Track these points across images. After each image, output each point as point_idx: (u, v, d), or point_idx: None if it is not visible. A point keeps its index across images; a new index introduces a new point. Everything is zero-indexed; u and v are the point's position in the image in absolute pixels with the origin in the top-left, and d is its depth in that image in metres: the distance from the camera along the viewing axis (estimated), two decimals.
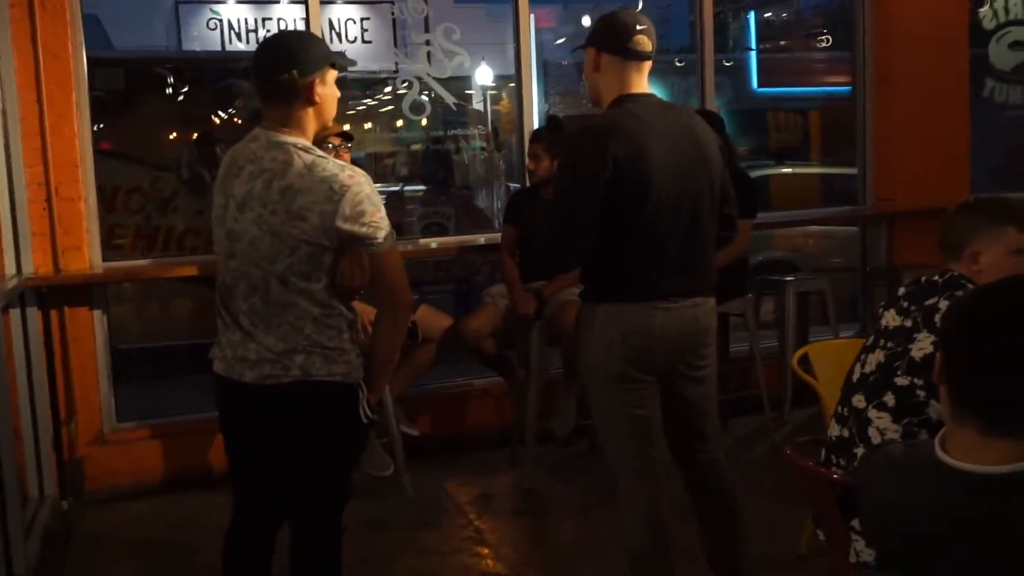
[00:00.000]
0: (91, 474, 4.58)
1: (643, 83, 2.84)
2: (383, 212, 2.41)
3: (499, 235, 4.98)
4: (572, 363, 4.53)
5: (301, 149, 2.40)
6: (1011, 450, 1.38)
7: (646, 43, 2.80)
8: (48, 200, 4.43)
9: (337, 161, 2.42)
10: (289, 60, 2.39)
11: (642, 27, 2.80)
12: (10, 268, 4.21)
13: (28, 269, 4.32)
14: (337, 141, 4.24)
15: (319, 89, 2.43)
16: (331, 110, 2.50)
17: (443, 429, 5.08)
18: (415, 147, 9.43)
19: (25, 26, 4.33)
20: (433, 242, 6.25)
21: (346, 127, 4.43)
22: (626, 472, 2.85)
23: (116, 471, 4.63)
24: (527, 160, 4.75)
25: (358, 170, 2.42)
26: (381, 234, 2.39)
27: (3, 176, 4.16)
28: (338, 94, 2.52)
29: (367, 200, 2.36)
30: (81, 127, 4.54)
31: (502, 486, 4.68)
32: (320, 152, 2.42)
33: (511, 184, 8.28)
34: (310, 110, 2.44)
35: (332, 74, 2.47)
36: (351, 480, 2.60)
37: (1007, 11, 6.31)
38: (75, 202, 4.50)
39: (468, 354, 4.83)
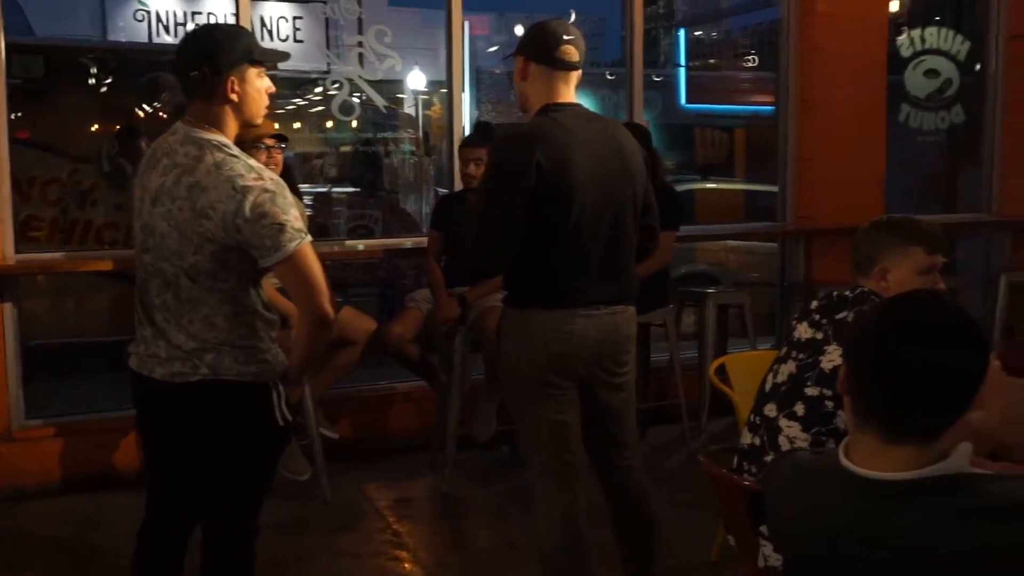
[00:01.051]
0: None
1: (570, 93, 2.87)
2: (291, 213, 2.32)
3: (426, 239, 4.98)
4: (494, 369, 4.55)
5: (215, 146, 2.36)
6: (910, 457, 1.44)
7: (573, 53, 2.84)
8: None
9: (249, 162, 2.36)
10: (204, 56, 2.36)
11: (570, 37, 2.83)
12: None
13: None
14: (271, 142, 4.20)
15: (236, 87, 2.38)
16: (255, 108, 2.45)
17: (364, 432, 5.05)
18: (344, 149, 9.35)
19: None
20: (360, 244, 6.21)
21: (275, 126, 4.38)
22: (543, 477, 2.87)
23: (23, 470, 4.50)
24: (468, 165, 4.66)
25: (267, 172, 2.36)
26: (285, 237, 2.29)
27: None
28: (268, 87, 2.46)
29: (269, 201, 2.28)
30: None
31: (422, 490, 4.67)
32: (234, 151, 2.37)
33: (439, 189, 8.28)
34: (227, 107, 2.40)
35: (253, 71, 2.41)
36: (269, 483, 2.57)
37: (923, 40, 6.55)
38: None
39: (391, 358, 4.82)
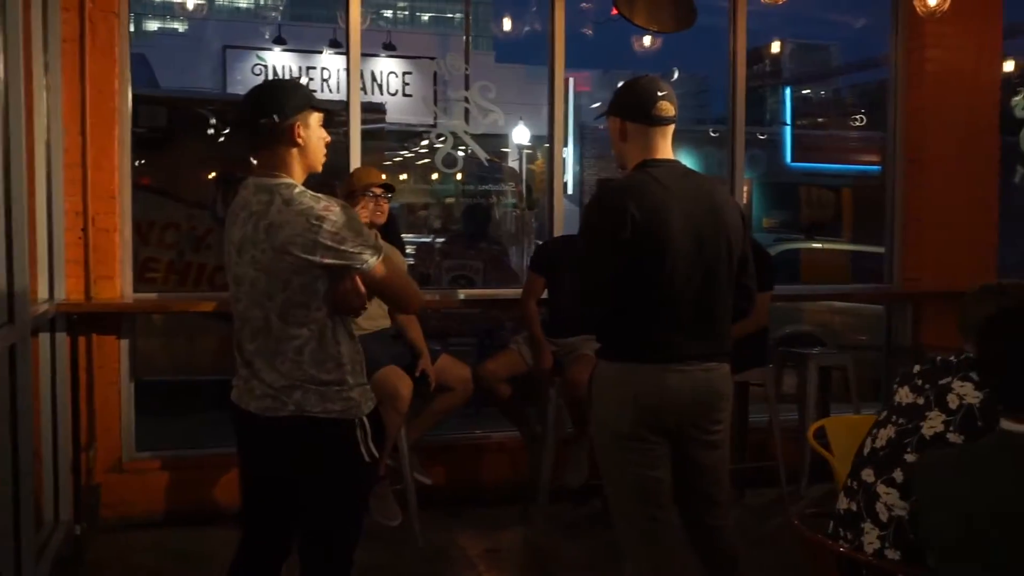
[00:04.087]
0: (106, 501, 4.63)
1: (667, 148, 2.90)
2: (365, 234, 2.51)
3: None
4: (581, 416, 4.54)
5: (283, 187, 2.49)
6: None
7: (669, 109, 2.87)
8: (84, 229, 4.55)
9: (316, 194, 2.50)
10: (270, 105, 2.51)
11: (663, 93, 2.86)
12: (42, 293, 4.31)
13: (60, 295, 4.42)
14: (378, 191, 4.33)
15: (301, 131, 2.53)
16: (317, 151, 2.61)
17: (457, 480, 5.09)
18: (448, 200, 9.55)
19: (75, 60, 4.49)
20: (460, 293, 6.30)
21: (383, 176, 4.53)
22: (632, 534, 2.85)
23: (131, 500, 4.68)
24: None
25: (334, 200, 2.51)
26: (367, 254, 2.47)
27: (43, 204, 4.28)
28: (325, 137, 2.62)
29: (344, 227, 2.44)
30: (121, 161, 4.67)
31: (512, 541, 4.67)
32: (299, 187, 2.51)
33: (539, 241, 8.36)
34: (294, 151, 2.54)
35: (315, 117, 2.58)
36: (361, 520, 2.64)
37: None
38: (110, 233, 4.62)
39: (485, 400, 4.84)
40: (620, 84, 3.09)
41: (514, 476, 5.11)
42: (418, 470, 4.66)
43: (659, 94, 2.85)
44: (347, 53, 5.21)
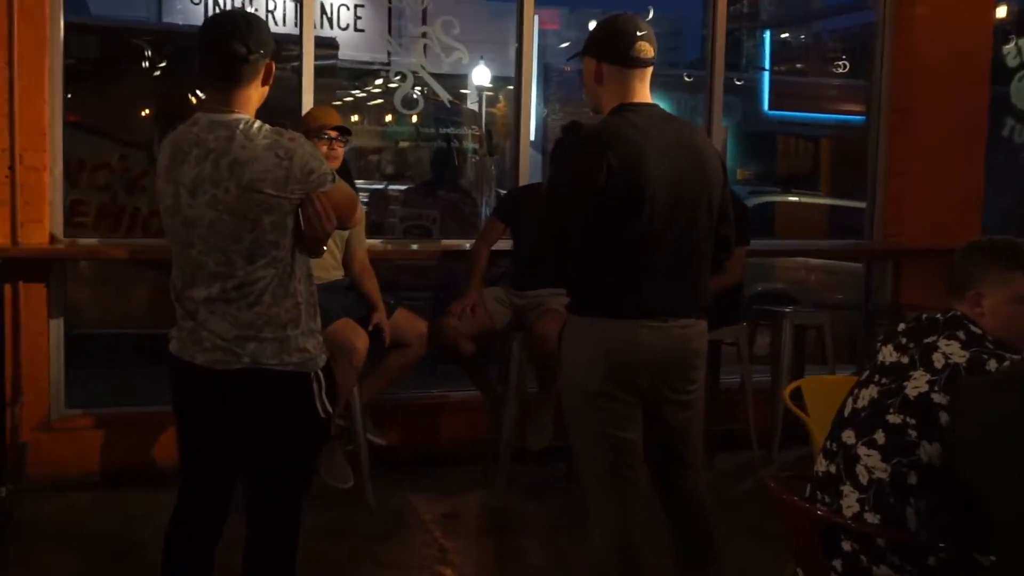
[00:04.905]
0: (35, 460, 4.60)
1: (645, 91, 2.90)
2: (325, 163, 2.58)
3: None
4: (547, 373, 4.59)
5: (243, 123, 2.49)
6: None
7: (648, 50, 2.86)
8: (11, 168, 4.46)
9: (273, 127, 2.52)
10: (247, 35, 2.49)
11: (642, 33, 2.86)
12: None
13: None
14: (334, 134, 4.30)
15: (273, 72, 2.56)
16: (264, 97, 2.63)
17: (413, 441, 5.11)
18: (403, 144, 9.48)
19: None
20: (415, 244, 6.30)
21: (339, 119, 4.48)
22: (599, 495, 2.89)
23: (62, 459, 4.65)
24: None
25: (292, 131, 2.54)
26: (329, 178, 2.54)
27: None
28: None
29: (312, 158, 2.51)
30: (53, 94, 4.58)
31: (471, 504, 4.73)
32: (258, 122, 2.52)
33: (501, 191, 8.35)
34: (260, 92, 2.57)
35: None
36: (310, 480, 2.67)
37: None
38: (40, 172, 4.54)
39: (444, 357, 4.85)
40: (595, 22, 3.07)
41: (474, 437, 5.15)
42: (371, 430, 4.68)
43: (638, 34, 2.85)
44: None
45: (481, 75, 9.64)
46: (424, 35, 5.37)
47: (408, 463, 4.98)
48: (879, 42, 6.05)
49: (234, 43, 2.47)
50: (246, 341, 2.50)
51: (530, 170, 5.54)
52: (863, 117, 6.41)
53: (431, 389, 5.40)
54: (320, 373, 2.59)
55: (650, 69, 2.90)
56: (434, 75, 5.39)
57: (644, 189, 2.74)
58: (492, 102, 10.44)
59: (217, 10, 11.46)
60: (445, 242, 6.36)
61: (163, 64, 7.36)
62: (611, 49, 2.87)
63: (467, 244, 5.64)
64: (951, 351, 2.42)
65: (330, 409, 2.64)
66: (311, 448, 2.75)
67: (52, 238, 4.63)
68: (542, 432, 4.76)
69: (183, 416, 2.71)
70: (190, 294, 2.55)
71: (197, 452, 2.70)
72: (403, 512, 4.54)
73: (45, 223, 4.58)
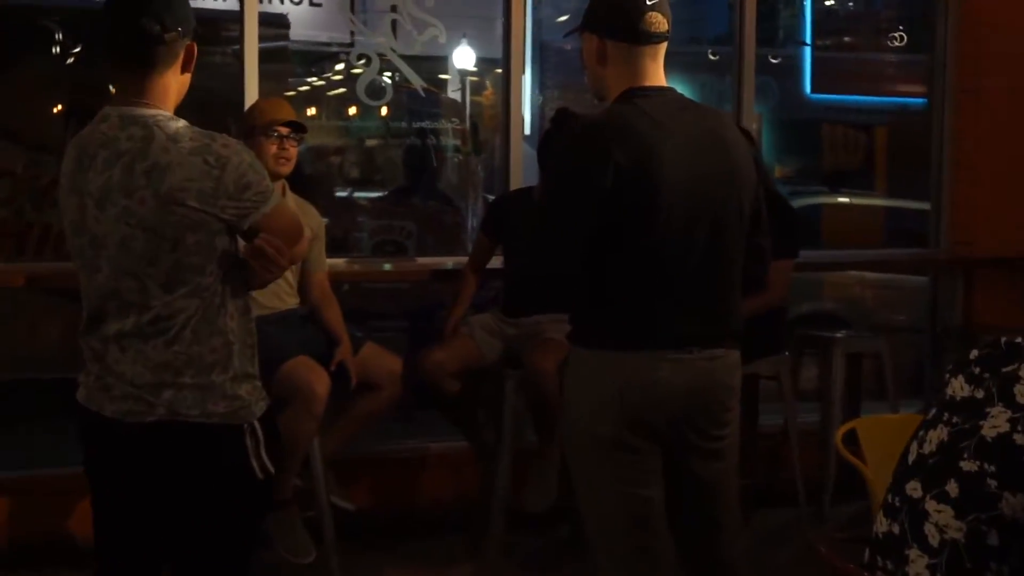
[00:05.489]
0: None
1: (658, 72, 2.91)
2: (267, 177, 2.59)
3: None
4: (547, 419, 4.58)
5: (163, 119, 2.49)
6: None
7: (661, 22, 2.87)
8: None
9: (202, 129, 2.51)
10: (161, 9, 2.49)
11: (653, 1, 2.86)
12: None
13: None
14: (285, 131, 4.30)
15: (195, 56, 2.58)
16: (186, 88, 2.63)
17: (387, 504, 5.11)
18: (370, 142, 9.49)
19: None
20: (387, 264, 6.29)
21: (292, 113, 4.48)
22: (613, 566, 2.89)
23: None
24: None
25: (227, 136, 2.53)
26: (270, 196, 2.54)
27: None
28: None
29: (251, 169, 2.50)
30: None
31: None
32: (182, 121, 2.51)
33: (489, 196, 8.36)
34: (180, 80, 2.58)
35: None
36: (249, 556, 2.68)
37: None
38: None
39: (425, 400, 4.85)
40: None
41: (460, 497, 5.14)
42: (336, 492, 4.67)
43: (648, 2, 2.85)
44: None
45: (463, 57, 9.66)
46: (393, 8, 5.40)
47: (381, 530, 4.96)
48: (942, 8, 6.08)
49: (145, 19, 2.47)
50: (162, 388, 2.48)
51: (524, 170, 5.55)
52: (925, 100, 6.43)
53: (407, 439, 5.38)
54: (256, 425, 2.56)
55: (664, 45, 2.91)
56: (405, 58, 5.41)
57: (659, 191, 2.75)
58: (477, 89, 10.46)
59: None
60: (423, 260, 6.37)
61: (77, 50, 7.37)
62: (616, 22, 2.88)
63: (449, 262, 5.67)
64: None
65: (270, 468, 2.60)
66: (249, 519, 2.70)
67: None
68: (542, 491, 4.74)
69: (94, 480, 2.70)
70: (98, 330, 2.53)
71: (113, 525, 2.69)
72: None
73: None
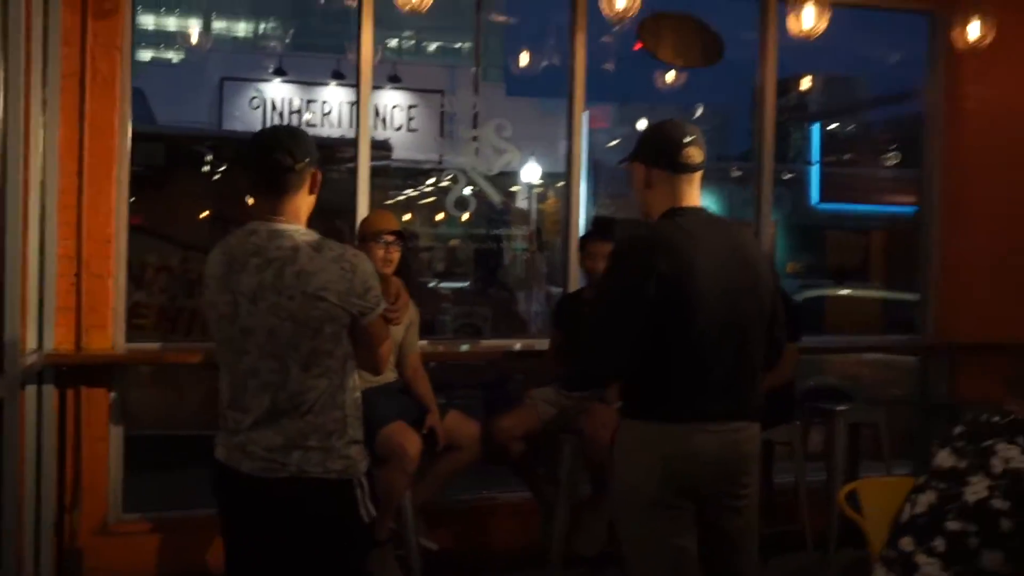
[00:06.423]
0: (91, 566, 4.63)
1: (693, 195, 2.94)
2: (378, 284, 2.69)
3: (536, 341, 5.04)
4: (601, 477, 4.55)
5: (303, 233, 2.61)
6: None
7: (696, 155, 2.91)
8: (77, 275, 4.58)
9: (334, 241, 2.62)
10: (292, 146, 2.61)
11: (691, 138, 2.90)
12: (31, 342, 4.32)
13: (49, 345, 4.44)
14: (391, 238, 4.36)
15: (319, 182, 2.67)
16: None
17: (464, 545, 5.07)
18: (453, 243, 9.60)
19: (74, 97, 4.54)
20: (466, 344, 6.32)
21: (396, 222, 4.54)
22: None
23: (117, 565, 4.66)
24: (587, 260, 4.74)
25: (351, 247, 2.65)
26: (380, 301, 2.66)
27: (36, 248, 4.29)
28: None
29: (371, 276, 2.63)
30: (119, 203, 4.71)
31: None
32: (318, 234, 2.63)
33: (552, 288, 8.40)
34: (308, 201, 2.68)
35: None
36: None
37: None
38: (104, 279, 4.66)
39: (495, 459, 4.84)
40: (643, 127, 3.13)
41: (526, 541, 5.09)
42: (423, 534, 4.66)
43: (686, 140, 2.90)
44: (357, 87, 5.15)
45: (531, 172, 9.78)
46: (475, 139, 5.47)
47: (460, 568, 4.93)
48: (929, 130, 6.05)
49: (279, 153, 2.58)
50: (292, 449, 2.56)
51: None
52: (916, 208, 6.39)
53: (481, 491, 5.37)
54: (363, 479, 2.66)
55: (699, 173, 2.94)
56: (485, 176, 5.46)
57: (696, 298, 2.76)
58: (542, 199, 10.57)
59: (275, 113, 11.82)
60: (494, 342, 6.37)
61: (221, 169, 7.58)
62: (659, 155, 2.92)
63: (517, 344, 5.68)
64: (1011, 455, 2.39)
65: (374, 513, 2.69)
66: (358, 553, 2.78)
67: (114, 344, 4.73)
68: (594, 537, 4.70)
69: (228, 522, 2.75)
70: (242, 405, 2.60)
71: (242, 559, 2.73)
72: None
73: (108, 329, 4.68)
